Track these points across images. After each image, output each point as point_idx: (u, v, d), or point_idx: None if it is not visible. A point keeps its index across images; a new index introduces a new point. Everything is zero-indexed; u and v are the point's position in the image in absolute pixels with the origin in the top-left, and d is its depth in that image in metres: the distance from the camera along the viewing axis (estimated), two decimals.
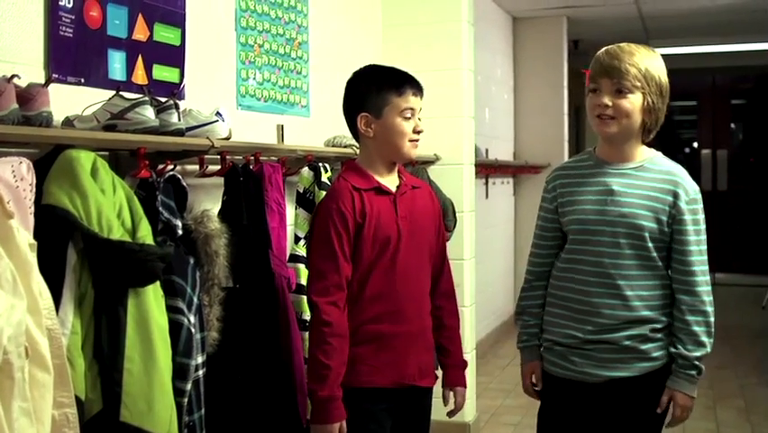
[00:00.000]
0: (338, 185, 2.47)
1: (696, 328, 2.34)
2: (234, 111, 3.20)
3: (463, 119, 4.54)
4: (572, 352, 2.42)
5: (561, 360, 2.46)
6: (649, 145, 2.48)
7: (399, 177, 2.53)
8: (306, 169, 3.21)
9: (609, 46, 2.41)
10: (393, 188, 2.49)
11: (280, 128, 3.52)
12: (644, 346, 2.36)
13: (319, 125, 3.85)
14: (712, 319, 2.38)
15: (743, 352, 6.55)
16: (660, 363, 2.38)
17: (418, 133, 2.47)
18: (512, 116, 7.76)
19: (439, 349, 2.62)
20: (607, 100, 2.33)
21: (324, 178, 3.18)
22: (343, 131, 3.93)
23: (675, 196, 2.34)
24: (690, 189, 2.37)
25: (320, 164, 3.22)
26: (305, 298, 2.99)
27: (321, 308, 2.35)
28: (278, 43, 3.57)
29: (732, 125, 10.81)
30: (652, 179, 2.37)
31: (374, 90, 2.45)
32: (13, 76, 1.87)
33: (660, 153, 2.47)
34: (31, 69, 2.24)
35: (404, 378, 2.45)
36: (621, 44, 2.39)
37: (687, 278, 2.36)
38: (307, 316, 2.96)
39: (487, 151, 6.61)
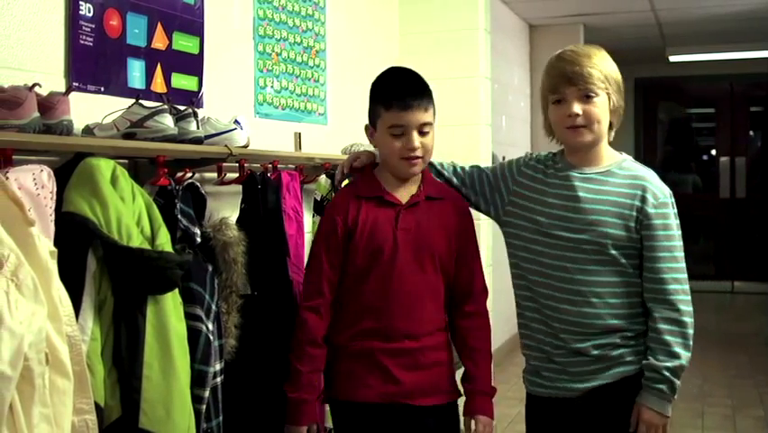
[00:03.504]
0: (342, 189, 2.46)
1: (668, 338, 2.20)
2: (252, 119, 3.22)
3: (480, 127, 4.54)
4: (545, 367, 2.33)
5: (535, 377, 2.36)
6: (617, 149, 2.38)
7: (420, 186, 2.38)
8: (323, 176, 3.22)
9: (560, 52, 2.31)
10: (403, 199, 2.35)
11: (298, 136, 3.53)
12: (615, 352, 2.25)
13: (336, 133, 3.86)
14: (689, 331, 2.23)
15: (761, 360, 6.50)
16: (635, 368, 2.25)
17: (412, 150, 2.28)
18: (529, 124, 7.75)
19: (464, 371, 2.44)
20: (576, 108, 2.22)
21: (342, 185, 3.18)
22: (361, 138, 3.94)
23: (643, 200, 2.23)
24: (658, 193, 2.25)
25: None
26: None
27: (299, 312, 2.36)
28: (295, 52, 3.58)
29: (750, 133, 10.74)
30: (619, 185, 2.27)
31: (371, 100, 2.38)
32: (34, 84, 1.89)
33: (629, 157, 2.37)
34: (51, 78, 2.27)
35: (396, 396, 2.33)
36: (571, 49, 2.30)
37: (657, 286, 2.24)
38: None
39: (504, 158, 6.60)
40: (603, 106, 2.24)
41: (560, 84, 2.25)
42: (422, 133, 2.29)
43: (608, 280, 2.25)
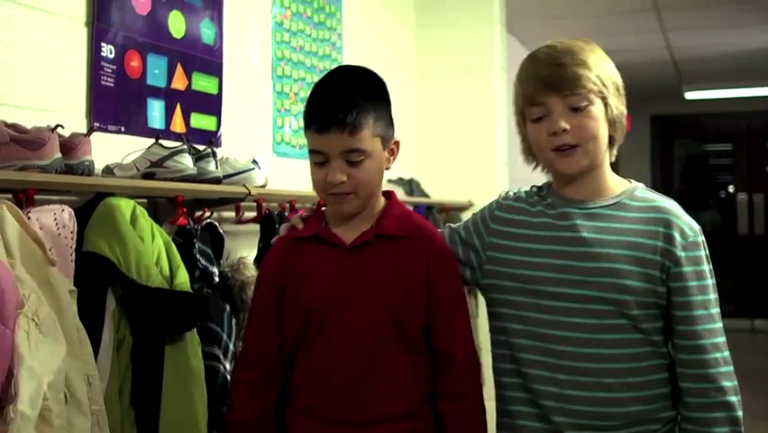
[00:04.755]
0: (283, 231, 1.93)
1: (716, 430, 1.68)
2: (270, 157, 3.24)
3: (498, 165, 4.55)
4: None
5: None
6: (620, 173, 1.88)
7: (380, 220, 1.81)
8: None
9: (536, 51, 1.78)
10: (349, 238, 1.79)
11: None
12: None
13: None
14: (738, 414, 1.70)
15: None
16: None
17: (333, 185, 1.72)
18: None
19: None
20: (563, 123, 1.69)
21: None
22: None
23: (668, 240, 1.69)
24: (687, 230, 1.71)
25: None
26: None
27: (230, 387, 1.91)
28: None
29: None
30: (634, 220, 1.73)
31: None
32: (56, 126, 1.91)
33: (641, 185, 1.83)
34: (73, 118, 2.29)
35: None
36: (548, 44, 1.77)
37: (693, 357, 1.69)
38: None
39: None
40: (598, 117, 1.71)
41: (537, 93, 1.72)
42: (351, 163, 1.71)
43: (628, 352, 1.70)
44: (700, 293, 1.70)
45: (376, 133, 1.75)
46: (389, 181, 3.94)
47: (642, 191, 1.80)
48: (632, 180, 1.84)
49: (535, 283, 1.75)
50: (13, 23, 2.13)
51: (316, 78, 3.60)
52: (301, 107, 3.48)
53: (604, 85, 1.72)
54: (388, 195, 1.88)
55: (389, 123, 1.82)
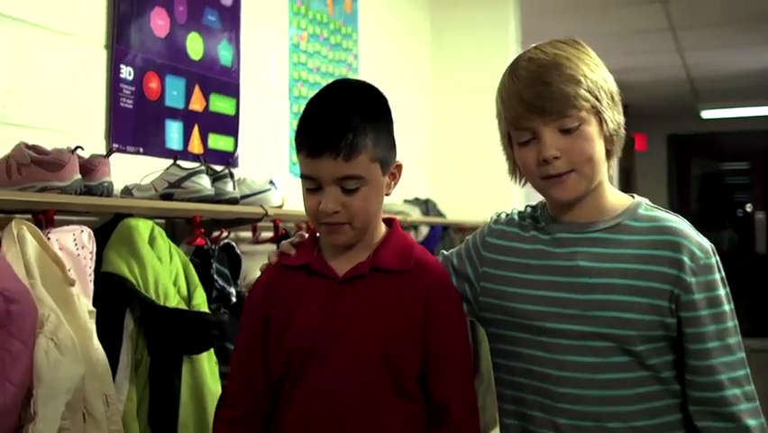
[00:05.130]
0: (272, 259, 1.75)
1: None
2: (287, 177, 3.26)
3: (514, 184, 4.55)
4: None
5: None
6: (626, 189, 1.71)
7: (377, 252, 1.62)
8: None
9: (517, 64, 1.57)
10: (342, 269, 1.61)
11: None
12: None
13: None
14: None
15: None
16: None
17: (326, 214, 1.55)
18: None
19: None
20: (553, 151, 1.50)
21: None
22: (394, 196, 3.97)
23: (677, 266, 1.49)
24: (698, 252, 1.50)
25: None
26: None
27: (213, 425, 1.71)
28: None
29: None
30: (637, 244, 1.53)
31: None
32: (76, 147, 1.93)
33: (644, 200, 1.62)
34: (93, 139, 2.32)
35: None
36: (529, 56, 1.56)
37: (709, 394, 1.50)
38: None
39: None
40: (593, 136, 1.52)
41: (520, 117, 1.53)
42: (346, 191, 1.54)
43: (634, 393, 1.52)
44: (714, 322, 1.50)
45: (374, 157, 1.56)
46: (405, 201, 3.95)
47: (645, 209, 1.59)
48: (634, 196, 1.64)
49: (531, 318, 1.57)
50: (34, 46, 2.16)
51: None
52: None
53: (597, 98, 1.51)
54: (390, 222, 1.70)
55: (390, 145, 1.64)
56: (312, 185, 1.56)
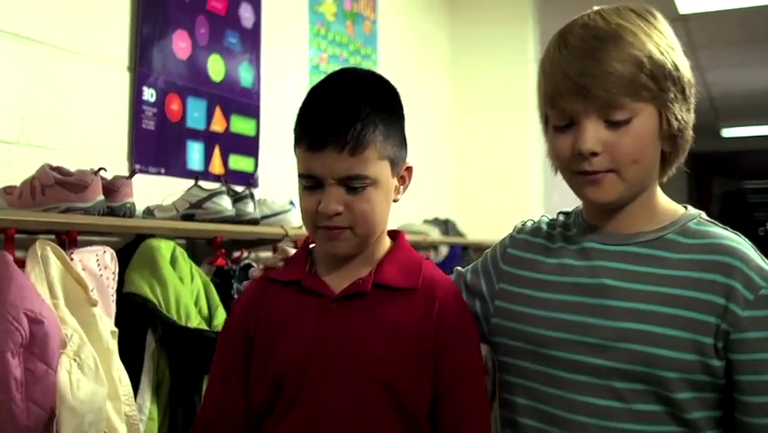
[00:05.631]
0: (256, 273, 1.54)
1: None
2: None
3: (534, 204, 4.54)
4: None
5: None
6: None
7: (380, 267, 1.41)
8: None
9: (569, 29, 1.28)
10: (338, 287, 1.40)
11: None
12: None
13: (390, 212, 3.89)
14: None
15: None
16: None
17: (327, 217, 1.34)
18: None
19: None
20: (592, 144, 1.23)
21: None
22: (414, 216, 3.97)
23: (729, 294, 1.20)
24: (756, 278, 1.20)
25: None
26: None
27: None
28: None
29: None
30: (682, 264, 1.25)
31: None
32: (99, 169, 1.95)
33: (699, 213, 1.35)
34: (115, 160, 2.34)
35: None
36: (584, 21, 1.27)
37: None
38: None
39: None
40: (646, 133, 1.24)
41: (559, 95, 1.26)
42: (351, 190, 1.34)
43: None
44: None
45: (384, 153, 1.35)
46: (425, 222, 3.95)
47: (698, 223, 1.31)
48: (688, 207, 1.36)
49: (544, 345, 1.31)
50: (58, 68, 2.18)
51: None
52: None
53: (662, 88, 1.23)
54: (395, 236, 1.50)
55: (402, 142, 1.42)
56: (311, 183, 1.35)
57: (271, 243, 2.65)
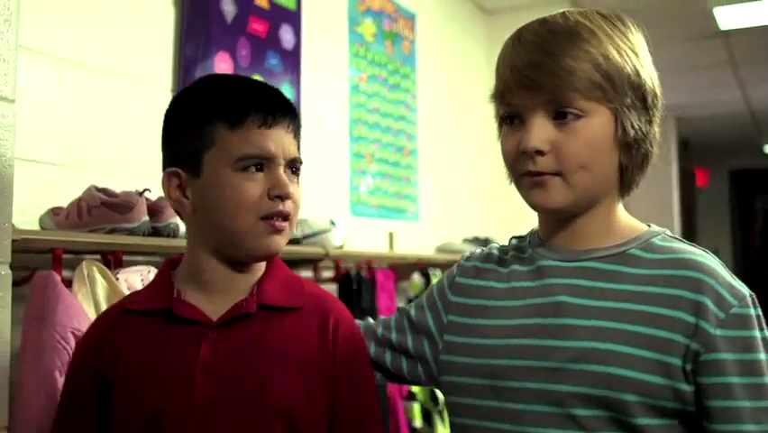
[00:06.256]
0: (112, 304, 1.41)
1: None
2: (347, 217, 3.28)
3: None
4: None
5: None
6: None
7: (261, 285, 1.28)
8: (416, 275, 3.24)
9: (528, 25, 1.20)
10: (215, 312, 1.25)
11: (391, 235, 3.58)
12: None
13: (428, 231, 3.89)
14: None
15: None
16: None
17: (283, 197, 1.24)
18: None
19: None
20: (537, 142, 1.14)
21: None
22: (453, 236, 3.97)
23: (698, 311, 1.09)
24: (728, 296, 1.10)
25: (430, 270, 3.25)
26: (416, 405, 2.98)
27: None
28: (388, 152, 3.66)
29: None
30: (645, 279, 1.15)
31: (189, 120, 1.29)
32: (144, 190, 1.98)
33: (664, 230, 1.23)
34: (158, 182, 2.36)
35: None
36: (549, 18, 1.19)
37: None
38: (418, 423, 2.94)
39: None
40: (598, 137, 1.15)
41: (508, 89, 1.17)
42: (293, 171, 1.28)
43: None
44: (750, 397, 1.08)
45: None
46: (465, 240, 3.95)
47: (663, 239, 1.21)
48: (652, 225, 1.25)
49: (502, 377, 1.17)
50: (103, 91, 2.22)
51: (392, 140, 3.67)
52: (377, 167, 3.53)
53: (616, 90, 1.14)
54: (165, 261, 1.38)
55: None
56: (253, 163, 1.23)
57: (312, 262, 2.67)
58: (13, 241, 1.57)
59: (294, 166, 1.27)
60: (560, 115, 1.13)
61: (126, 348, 1.25)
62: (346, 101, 3.38)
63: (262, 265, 1.31)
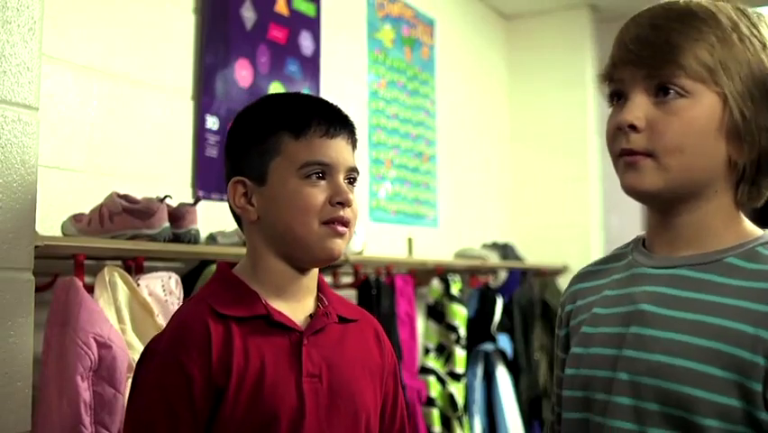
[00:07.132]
0: (185, 313, 1.32)
1: None
2: (366, 222, 3.29)
3: (593, 229, 4.51)
4: None
5: None
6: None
7: (320, 297, 1.37)
8: (435, 280, 3.24)
9: (649, 8, 1.13)
10: (300, 320, 1.31)
11: (410, 241, 3.58)
12: None
13: (447, 236, 3.89)
14: None
15: None
16: None
17: (343, 204, 1.29)
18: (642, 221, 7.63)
19: None
20: (634, 117, 1.07)
21: (454, 289, 3.19)
22: (473, 241, 3.97)
23: None
24: None
25: (449, 276, 3.24)
26: (435, 411, 2.98)
27: None
28: (407, 157, 3.66)
29: None
30: (737, 292, 1.03)
31: (258, 131, 1.34)
32: (165, 196, 1.99)
33: None
34: (179, 187, 2.38)
35: None
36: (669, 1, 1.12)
37: None
38: (438, 429, 2.94)
39: None
40: (697, 117, 1.05)
41: (612, 64, 1.12)
42: (350, 182, 1.34)
43: None
44: None
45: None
46: (484, 246, 3.94)
47: None
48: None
49: (587, 388, 1.12)
50: (125, 98, 2.24)
51: (410, 145, 3.67)
52: (396, 173, 3.53)
53: (727, 75, 1.05)
54: (221, 267, 1.39)
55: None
56: (316, 170, 1.29)
57: (332, 268, 2.67)
58: (36, 247, 1.59)
59: (351, 177, 1.34)
60: (661, 93, 1.06)
61: (232, 348, 1.23)
62: (365, 107, 3.39)
63: (317, 273, 1.38)
